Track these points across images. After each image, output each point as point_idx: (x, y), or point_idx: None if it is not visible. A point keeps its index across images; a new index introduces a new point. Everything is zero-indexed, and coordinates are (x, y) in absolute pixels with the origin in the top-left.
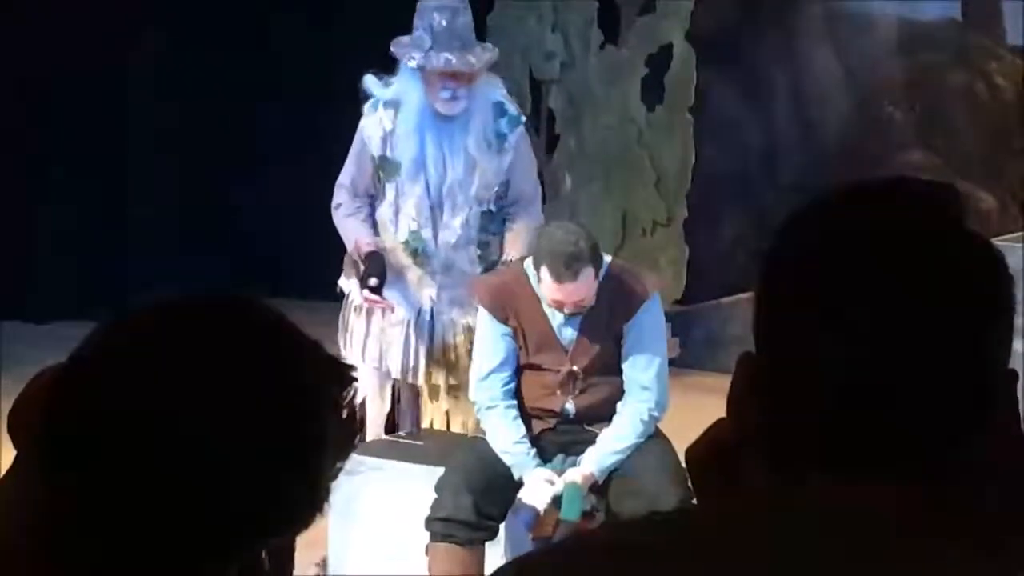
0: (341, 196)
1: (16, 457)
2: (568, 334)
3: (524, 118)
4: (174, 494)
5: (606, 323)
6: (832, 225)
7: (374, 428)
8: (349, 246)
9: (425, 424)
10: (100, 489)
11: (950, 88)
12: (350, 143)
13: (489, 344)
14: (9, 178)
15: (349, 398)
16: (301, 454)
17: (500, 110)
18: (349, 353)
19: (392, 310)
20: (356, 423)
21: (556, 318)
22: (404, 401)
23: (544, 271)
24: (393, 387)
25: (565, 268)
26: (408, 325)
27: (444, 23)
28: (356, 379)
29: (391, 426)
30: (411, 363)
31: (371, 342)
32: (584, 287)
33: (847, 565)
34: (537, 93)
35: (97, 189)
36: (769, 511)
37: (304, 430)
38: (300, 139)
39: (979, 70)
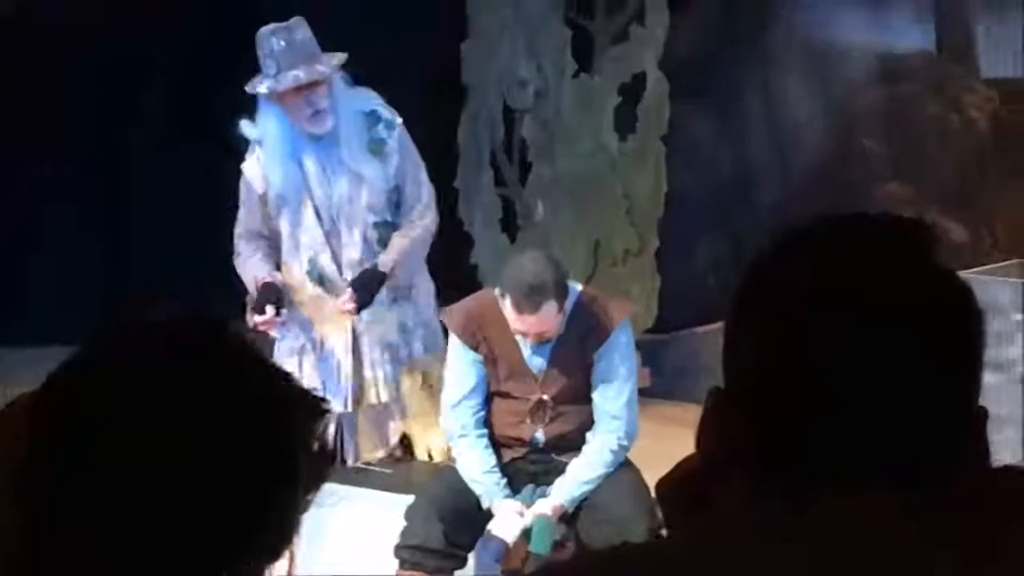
0: (238, 245)
1: None
2: (538, 362)
3: (400, 120)
4: (141, 525)
5: (576, 351)
6: (802, 263)
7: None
8: (249, 287)
9: (370, 451)
10: (69, 514)
11: (925, 119)
12: None
13: (460, 371)
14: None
15: (322, 430)
16: (272, 486)
17: (374, 118)
18: None
19: (277, 328)
20: (328, 455)
21: (527, 346)
22: (347, 432)
23: (507, 301)
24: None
25: (527, 301)
26: (336, 355)
27: (283, 43)
28: (329, 410)
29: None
30: (348, 393)
31: (306, 382)
32: (545, 320)
33: None
34: (510, 122)
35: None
36: (741, 541)
37: (275, 462)
38: None
39: (953, 102)
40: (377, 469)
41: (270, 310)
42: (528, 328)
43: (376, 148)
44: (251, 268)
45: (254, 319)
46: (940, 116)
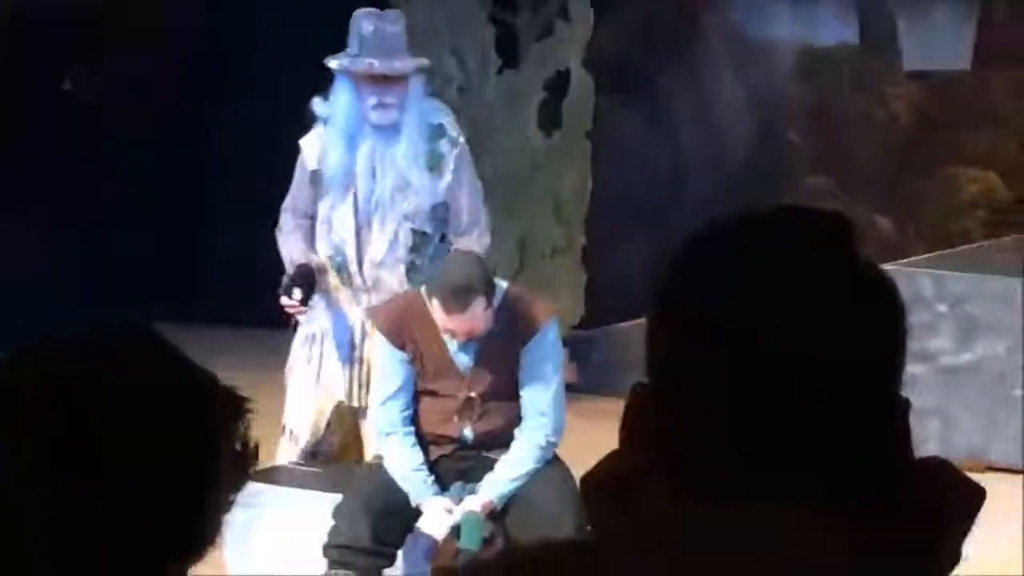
0: (283, 218)
1: None
2: (465, 360)
3: (463, 139)
4: (68, 528)
5: (503, 349)
6: (722, 258)
7: (303, 455)
8: (286, 265)
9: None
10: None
11: (849, 113)
12: None
13: (387, 370)
14: None
15: (244, 428)
16: (194, 484)
17: (440, 132)
18: (292, 383)
19: (302, 315)
20: (250, 455)
21: (453, 344)
22: (333, 423)
23: (435, 302)
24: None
25: (455, 301)
26: (341, 348)
27: (371, 29)
28: (251, 411)
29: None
30: (346, 386)
31: (311, 370)
32: (474, 319)
33: None
34: None
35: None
36: (660, 543)
37: (198, 460)
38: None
39: (876, 95)
40: (306, 468)
41: (297, 293)
42: (458, 327)
43: (433, 162)
44: (290, 247)
45: (282, 300)
46: (864, 110)
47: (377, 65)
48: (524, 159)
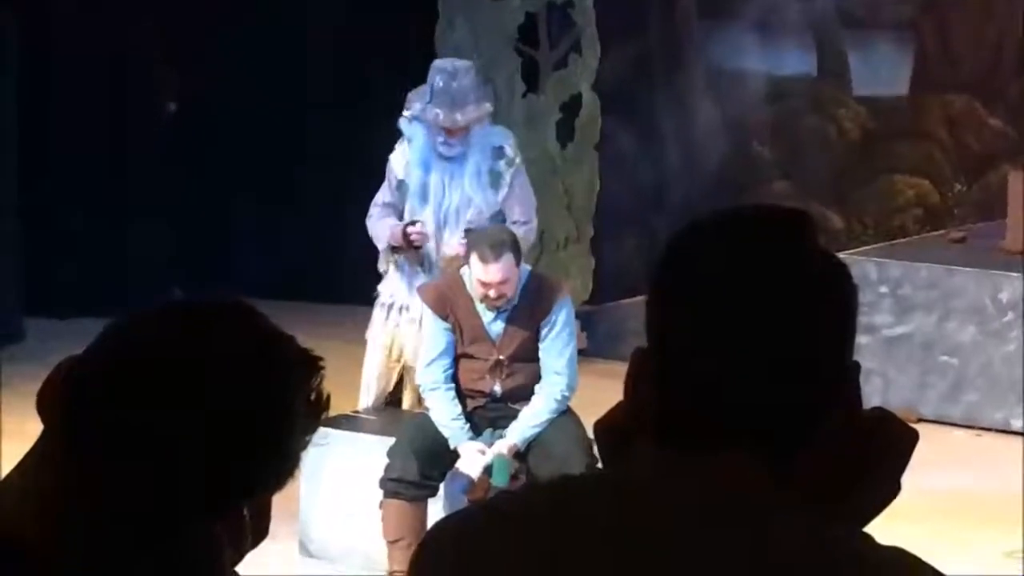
0: (374, 209)
1: (42, 432)
2: (496, 329)
3: (519, 159)
4: (175, 465)
5: (527, 320)
6: (708, 246)
7: (376, 403)
8: (384, 238)
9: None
10: (110, 462)
11: (806, 130)
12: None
13: (432, 337)
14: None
15: (317, 383)
16: (276, 428)
17: (500, 153)
18: (371, 343)
19: (428, 237)
20: (322, 404)
21: (487, 316)
22: (406, 381)
23: (474, 257)
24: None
25: (491, 250)
26: (417, 322)
27: (442, 83)
28: (323, 368)
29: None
30: (412, 347)
31: (386, 333)
32: (506, 268)
33: (699, 530)
34: None
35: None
36: (640, 483)
37: (278, 409)
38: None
39: (830, 116)
40: (363, 416)
41: (419, 225)
42: (492, 277)
43: (493, 180)
44: (384, 223)
45: (409, 229)
46: (819, 128)
47: (441, 118)
48: (544, 167)
